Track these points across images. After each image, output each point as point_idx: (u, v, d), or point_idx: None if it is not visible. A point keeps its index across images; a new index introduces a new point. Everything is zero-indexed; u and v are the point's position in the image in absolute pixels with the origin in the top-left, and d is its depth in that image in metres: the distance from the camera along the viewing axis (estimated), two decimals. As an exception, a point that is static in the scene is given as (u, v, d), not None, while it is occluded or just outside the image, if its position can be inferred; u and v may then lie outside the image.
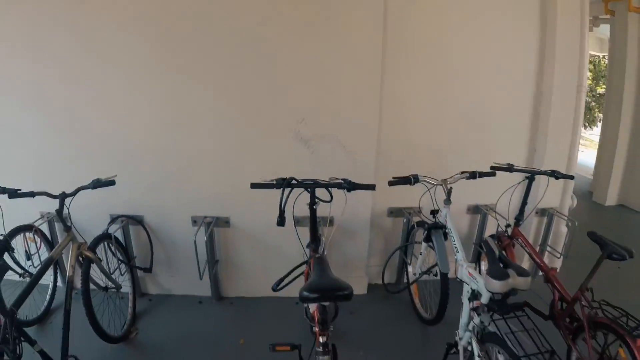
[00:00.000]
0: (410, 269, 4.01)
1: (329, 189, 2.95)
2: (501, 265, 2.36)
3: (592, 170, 8.85)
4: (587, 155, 11.14)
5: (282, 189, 2.86)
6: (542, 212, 4.58)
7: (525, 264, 4.56)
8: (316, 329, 2.30)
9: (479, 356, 2.46)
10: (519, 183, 3.66)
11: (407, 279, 4.16)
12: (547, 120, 4.34)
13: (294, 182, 2.92)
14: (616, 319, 2.68)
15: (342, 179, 2.96)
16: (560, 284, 3.31)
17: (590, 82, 13.34)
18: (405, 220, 4.21)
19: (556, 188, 4.47)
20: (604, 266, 2.98)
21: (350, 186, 2.92)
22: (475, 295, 2.57)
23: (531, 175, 3.61)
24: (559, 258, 4.58)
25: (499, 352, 2.34)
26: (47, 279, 3.90)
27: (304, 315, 2.33)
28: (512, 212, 3.89)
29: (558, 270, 4.71)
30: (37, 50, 3.60)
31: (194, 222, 3.99)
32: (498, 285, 2.23)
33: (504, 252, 3.76)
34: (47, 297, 3.91)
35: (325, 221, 3.74)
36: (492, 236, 3.90)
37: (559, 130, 4.37)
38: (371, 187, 2.96)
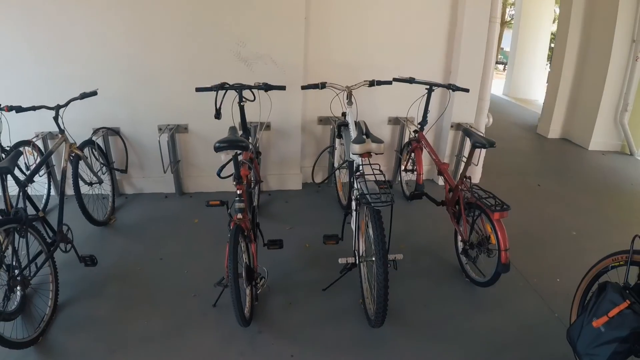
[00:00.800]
0: (335, 165, 4.79)
1: (252, 90, 3.79)
2: (364, 137, 3.17)
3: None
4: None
5: (217, 90, 3.69)
6: (457, 127, 5.33)
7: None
8: (234, 184, 3.03)
9: (355, 210, 3.30)
10: (423, 95, 4.37)
11: (334, 175, 4.98)
12: (459, 45, 5.03)
13: (226, 85, 3.73)
14: (482, 198, 3.34)
15: (261, 83, 3.79)
16: (449, 175, 4.09)
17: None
18: (332, 127, 4.99)
19: (470, 105, 5.24)
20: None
21: (266, 87, 3.77)
22: (358, 168, 3.32)
23: (430, 87, 4.31)
24: (475, 165, 5.38)
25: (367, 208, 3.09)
26: (43, 188, 4.69)
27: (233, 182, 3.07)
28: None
29: (478, 180, 5.54)
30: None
31: (160, 129, 4.79)
32: (357, 148, 3.06)
33: (412, 154, 4.59)
34: (42, 202, 4.66)
35: (260, 126, 4.54)
36: (407, 142, 4.72)
37: (471, 57, 5.07)
38: (282, 88, 3.81)
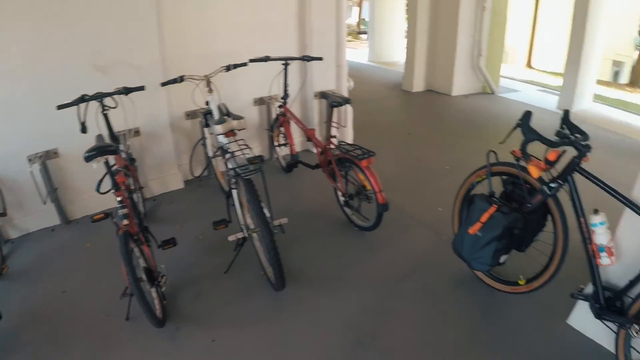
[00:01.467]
0: (210, 155, 4.88)
1: (112, 96, 3.79)
2: (225, 117, 3.31)
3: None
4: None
5: (77, 104, 3.65)
6: (321, 95, 5.50)
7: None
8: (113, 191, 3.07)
9: (233, 188, 3.45)
10: (280, 72, 4.55)
11: (212, 164, 5.04)
12: (311, 18, 5.21)
13: (86, 97, 3.70)
14: (349, 151, 3.67)
15: (121, 87, 3.80)
16: (316, 139, 4.33)
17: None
18: (200, 119, 5.00)
19: (329, 73, 5.50)
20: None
21: (125, 90, 3.78)
22: (225, 150, 3.44)
23: (285, 62, 4.50)
24: (339, 128, 5.44)
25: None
26: None
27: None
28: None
29: (352, 141, 5.80)
30: None
31: (30, 160, 4.56)
32: (220, 128, 3.21)
33: (281, 128, 4.76)
34: None
35: (129, 132, 4.56)
36: (275, 118, 4.89)
37: (323, 27, 5.28)
38: (141, 88, 3.84)
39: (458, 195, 3.42)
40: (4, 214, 4.63)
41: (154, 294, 3.15)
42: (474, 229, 2.98)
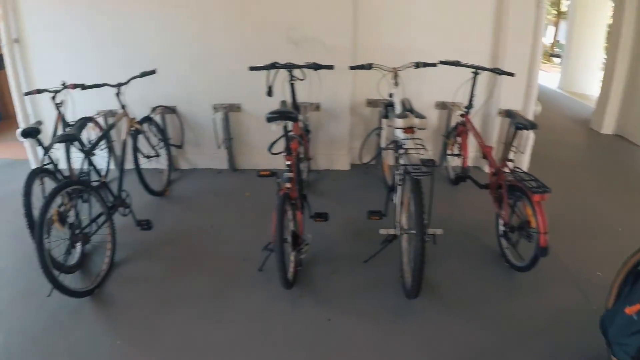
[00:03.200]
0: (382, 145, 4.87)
1: (302, 69, 3.98)
2: (407, 112, 3.30)
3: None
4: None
5: (269, 69, 3.90)
6: (505, 113, 5.18)
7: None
8: (284, 154, 3.24)
9: (399, 184, 3.42)
10: (469, 80, 4.39)
11: (381, 156, 5.00)
12: (507, 30, 4.97)
13: (277, 64, 3.93)
14: (523, 180, 3.34)
15: (311, 62, 3.98)
16: (492, 158, 4.11)
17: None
18: (380, 109, 5.02)
19: (518, 92, 5.18)
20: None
21: (315, 66, 4.00)
22: (399, 145, 3.40)
23: (476, 71, 4.33)
24: (516, 153, 5.18)
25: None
26: (104, 162, 4.70)
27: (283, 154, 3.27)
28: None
29: (527, 169, 5.46)
30: None
31: (215, 108, 5.07)
32: (401, 122, 3.19)
33: (458, 138, 4.64)
34: (103, 173, 4.94)
35: (310, 105, 4.87)
36: (454, 126, 4.77)
37: (518, 41, 4.98)
38: (330, 67, 4.04)
39: (624, 265, 2.94)
40: (180, 146, 5.17)
41: (292, 258, 3.32)
42: (632, 309, 2.51)
